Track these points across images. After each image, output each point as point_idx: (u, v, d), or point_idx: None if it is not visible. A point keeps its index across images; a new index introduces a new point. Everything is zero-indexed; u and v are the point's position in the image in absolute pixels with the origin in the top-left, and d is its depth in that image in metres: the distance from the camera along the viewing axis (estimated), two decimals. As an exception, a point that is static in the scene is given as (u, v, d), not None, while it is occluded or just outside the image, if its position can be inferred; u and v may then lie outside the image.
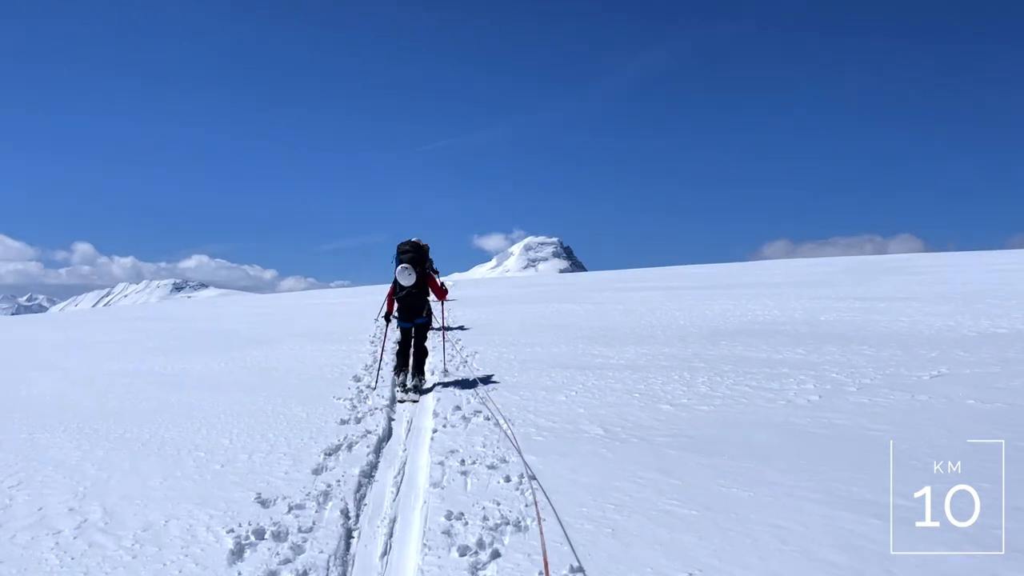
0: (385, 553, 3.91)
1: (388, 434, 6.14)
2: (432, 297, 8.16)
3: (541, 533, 3.71)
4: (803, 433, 5.37)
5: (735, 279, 24.58)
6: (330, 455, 5.36)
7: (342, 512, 4.30)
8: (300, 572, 3.59)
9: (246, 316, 20.11)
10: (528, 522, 3.97)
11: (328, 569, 3.66)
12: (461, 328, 13.25)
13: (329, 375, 8.76)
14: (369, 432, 6.00)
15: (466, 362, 9.26)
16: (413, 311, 7.89)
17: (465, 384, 7.78)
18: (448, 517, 4.09)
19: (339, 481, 4.81)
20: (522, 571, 3.45)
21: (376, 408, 6.85)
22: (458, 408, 6.61)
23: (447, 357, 9.58)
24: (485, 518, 4.05)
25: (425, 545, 3.81)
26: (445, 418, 6.30)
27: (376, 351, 10.51)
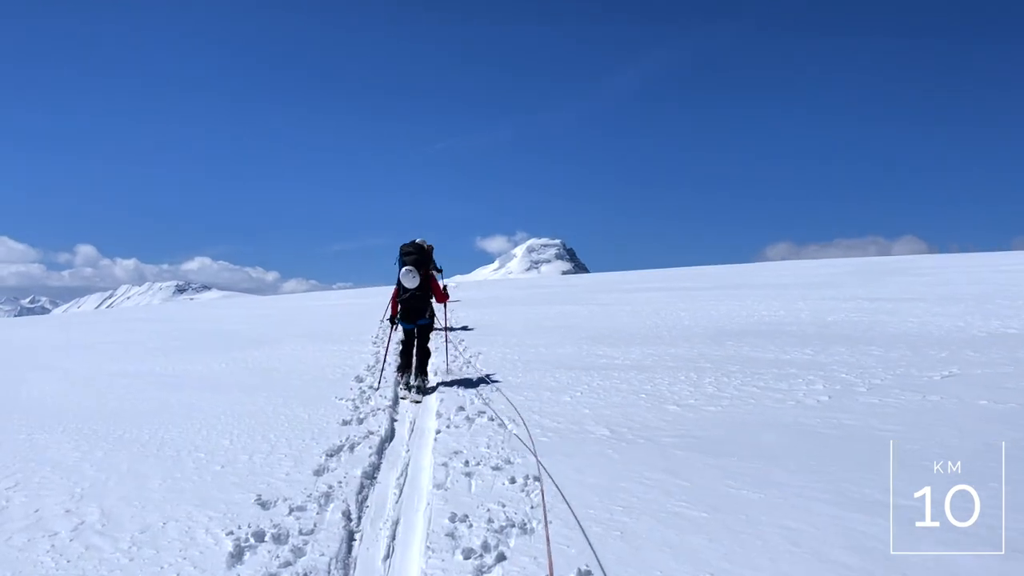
0: (388, 556, 3.83)
1: (391, 435, 6.06)
2: (434, 299, 8.15)
3: (547, 538, 3.63)
4: (813, 434, 5.27)
5: (739, 280, 24.46)
6: (332, 456, 5.28)
7: (344, 514, 4.22)
8: (300, 575, 3.51)
9: (248, 317, 20.05)
10: (534, 524, 3.88)
11: (329, 572, 3.58)
12: (464, 328, 13.17)
13: (331, 375, 8.68)
14: (371, 433, 5.92)
15: (469, 362, 9.17)
16: (416, 313, 7.89)
17: (468, 384, 7.69)
18: (452, 519, 4.01)
19: (341, 482, 4.73)
20: (528, 575, 3.36)
21: (378, 409, 6.77)
22: (462, 409, 6.52)
23: (450, 357, 9.50)
24: (490, 520, 3.97)
25: (429, 548, 3.73)
26: (449, 419, 6.22)
27: (379, 351, 10.43)
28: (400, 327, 8.07)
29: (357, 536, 4.06)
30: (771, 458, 4.73)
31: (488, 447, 5.32)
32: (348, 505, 4.36)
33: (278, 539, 3.88)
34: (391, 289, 8.19)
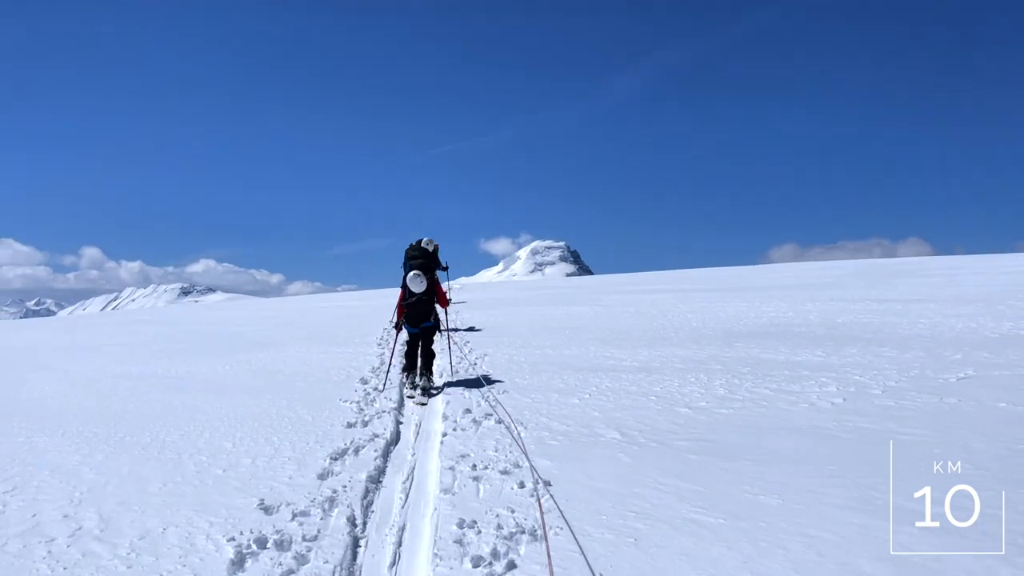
0: (394, 563, 3.71)
1: (396, 438, 5.94)
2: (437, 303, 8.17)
3: (548, 549, 3.50)
4: (829, 437, 5.13)
5: (746, 282, 24.30)
6: (336, 459, 5.16)
7: (348, 519, 4.10)
8: (304, 584, 3.39)
9: (252, 319, 19.96)
10: (545, 530, 3.76)
11: (334, 580, 3.46)
12: (471, 329, 13.05)
13: (335, 378, 8.57)
14: (377, 436, 5.80)
15: (476, 364, 9.05)
16: (421, 317, 7.91)
17: (475, 386, 7.57)
18: (460, 525, 3.89)
19: (345, 487, 4.61)
20: (540, 584, 3.24)
21: (384, 411, 6.65)
22: (468, 411, 6.40)
23: (456, 359, 9.38)
24: (499, 526, 3.84)
25: (436, 555, 3.61)
26: (455, 421, 6.10)
27: (383, 354, 10.32)
28: (405, 330, 8.02)
29: (362, 543, 3.94)
30: (788, 462, 4.59)
31: (496, 450, 5.19)
32: (353, 510, 4.24)
33: (281, 546, 3.76)
34: (396, 291, 8.13)
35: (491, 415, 6.21)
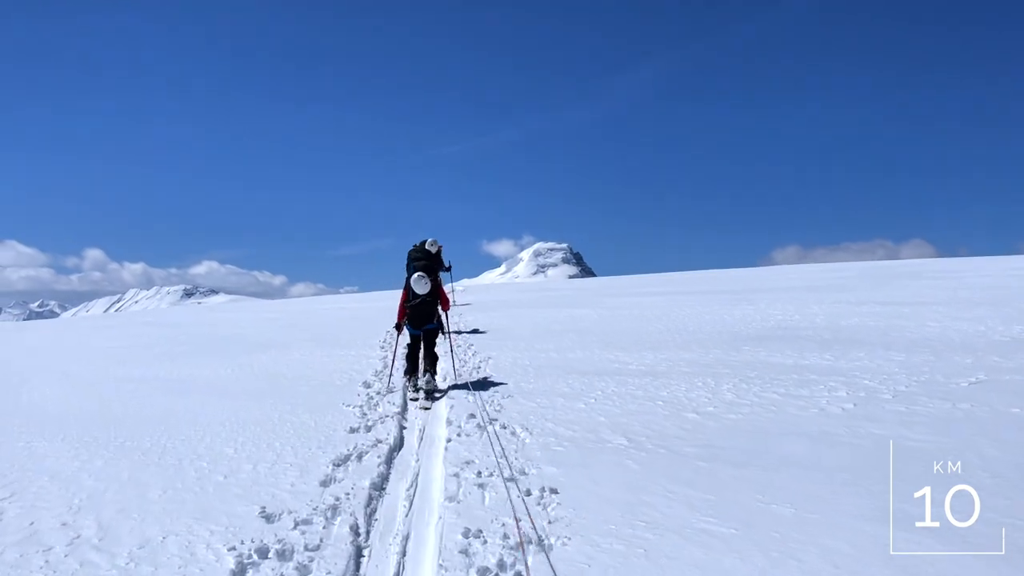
0: (398, 574, 3.63)
1: (400, 443, 5.86)
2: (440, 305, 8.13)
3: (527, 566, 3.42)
4: (841, 444, 5.04)
5: (750, 284, 24.16)
6: (339, 466, 5.08)
7: (351, 528, 4.02)
8: (306, 596, 3.32)
9: (255, 321, 19.89)
10: (552, 540, 3.67)
11: (336, 592, 3.38)
12: (474, 332, 12.97)
13: (338, 381, 8.49)
14: (380, 441, 5.72)
15: (479, 367, 8.96)
16: (425, 318, 7.85)
17: (479, 390, 7.48)
18: (465, 535, 3.81)
19: (348, 494, 4.54)
20: (548, 597, 3.16)
21: (387, 416, 6.57)
22: (472, 416, 6.32)
23: (459, 362, 9.30)
24: (505, 536, 3.77)
25: (441, 566, 3.53)
26: (459, 426, 6.02)
27: (386, 356, 10.23)
28: (407, 331, 7.96)
29: (365, 552, 3.86)
30: (799, 469, 4.51)
31: (501, 456, 5.11)
32: (356, 519, 4.16)
33: (282, 555, 3.68)
34: (399, 293, 8.06)
35: (496, 420, 6.12)
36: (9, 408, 7.69)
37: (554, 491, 4.33)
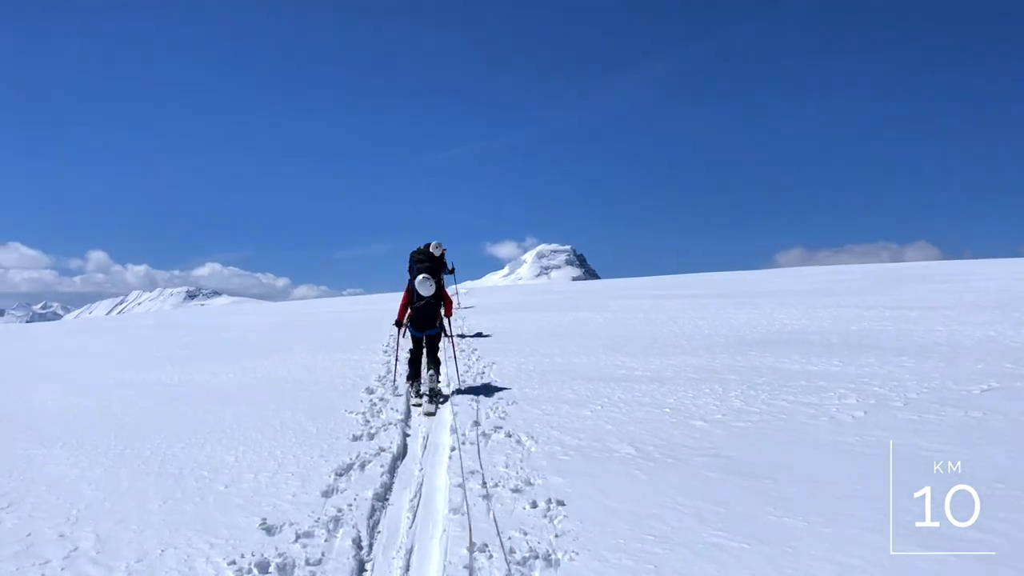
0: (402, 590, 3.54)
1: (403, 452, 5.77)
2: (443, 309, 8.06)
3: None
4: (853, 453, 4.94)
5: (755, 287, 24.03)
6: (341, 475, 5.00)
7: (354, 541, 3.93)
8: (307, 613, 3.23)
9: (258, 324, 19.84)
10: (559, 555, 3.58)
11: (338, 609, 3.29)
12: (478, 335, 12.88)
13: (341, 387, 8.41)
14: (383, 449, 5.64)
15: (483, 372, 8.88)
16: (428, 321, 7.77)
17: (483, 397, 7.39)
18: (470, 549, 3.72)
19: (351, 505, 4.45)
20: (556, 615, 3.07)
21: (390, 423, 6.48)
22: (477, 423, 6.23)
23: (463, 368, 9.21)
24: (511, 550, 3.68)
25: (446, 582, 3.44)
26: (463, 434, 5.93)
27: (389, 361, 10.16)
28: (408, 333, 7.88)
29: (368, 566, 3.78)
30: (812, 481, 4.41)
31: (506, 466, 5.02)
32: (359, 531, 4.08)
33: (283, 569, 3.60)
34: (401, 296, 8.00)
35: (500, 428, 6.03)
36: (9, 414, 7.62)
37: (561, 503, 4.24)
